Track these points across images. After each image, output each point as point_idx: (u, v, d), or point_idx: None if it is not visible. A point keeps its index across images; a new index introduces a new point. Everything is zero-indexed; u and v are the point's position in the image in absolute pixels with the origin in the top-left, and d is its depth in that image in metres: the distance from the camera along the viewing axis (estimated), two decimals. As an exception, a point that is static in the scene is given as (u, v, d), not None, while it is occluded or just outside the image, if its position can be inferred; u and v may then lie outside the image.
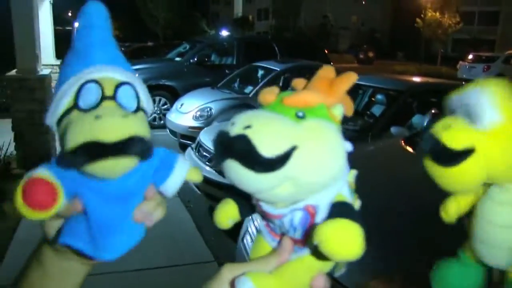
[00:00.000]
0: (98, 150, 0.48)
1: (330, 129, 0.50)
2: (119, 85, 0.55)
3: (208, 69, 10.44)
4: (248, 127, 0.46)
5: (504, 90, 0.54)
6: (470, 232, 0.58)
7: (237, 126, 0.47)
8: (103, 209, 0.55)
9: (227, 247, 4.05)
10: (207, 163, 4.82)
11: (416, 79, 6.86)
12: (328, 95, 0.53)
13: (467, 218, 0.60)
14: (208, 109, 7.43)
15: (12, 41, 5.97)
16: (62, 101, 0.53)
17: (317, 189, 0.50)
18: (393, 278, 1.98)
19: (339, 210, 0.49)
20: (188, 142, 6.74)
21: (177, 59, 11.13)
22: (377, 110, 5.75)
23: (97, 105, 0.52)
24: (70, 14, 48.23)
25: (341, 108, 0.52)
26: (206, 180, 4.69)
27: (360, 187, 0.55)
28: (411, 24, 40.84)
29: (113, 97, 0.54)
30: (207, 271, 3.73)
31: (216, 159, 0.48)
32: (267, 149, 0.45)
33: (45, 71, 6.55)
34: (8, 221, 4.32)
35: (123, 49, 22.67)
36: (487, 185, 0.57)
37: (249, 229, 2.88)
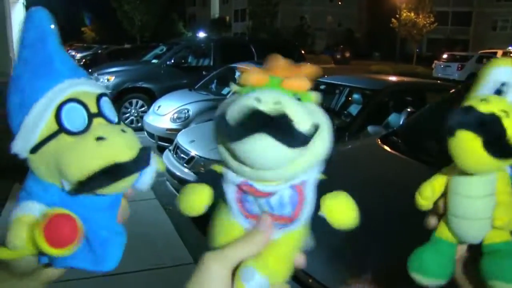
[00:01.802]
0: (119, 172, 0.48)
1: (322, 111, 0.54)
2: (98, 98, 0.53)
3: (185, 71, 10.38)
4: (278, 103, 0.47)
5: None
6: (448, 212, 0.60)
7: (267, 102, 0.47)
8: (97, 221, 0.54)
9: (207, 249, 4.03)
10: (185, 164, 4.79)
11: (392, 78, 6.93)
12: (289, 74, 0.54)
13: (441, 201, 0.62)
14: (186, 111, 7.39)
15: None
16: (38, 126, 0.50)
17: (315, 165, 0.53)
18: (373, 277, 2.00)
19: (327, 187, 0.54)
20: (166, 144, 6.70)
21: (154, 61, 11.06)
22: (354, 109, 5.80)
23: (88, 126, 0.50)
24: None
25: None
26: (184, 182, 4.66)
27: (337, 186, 0.56)
28: (387, 24, 41.34)
29: (100, 114, 0.52)
30: (187, 273, 3.70)
31: (237, 132, 0.46)
32: (302, 125, 0.47)
33: (19, 75, 6.43)
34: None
35: (99, 51, 22.42)
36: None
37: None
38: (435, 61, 27.70)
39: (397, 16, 39.51)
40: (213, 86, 8.77)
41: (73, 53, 24.95)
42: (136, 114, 9.53)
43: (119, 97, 9.26)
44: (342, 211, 0.54)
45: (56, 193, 0.51)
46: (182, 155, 4.94)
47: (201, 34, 38.76)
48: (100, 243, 0.54)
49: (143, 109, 9.55)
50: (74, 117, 0.50)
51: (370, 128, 4.55)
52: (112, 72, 9.94)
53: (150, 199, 5.11)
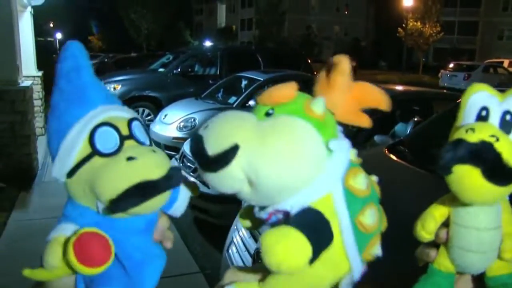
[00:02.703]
0: (150, 189, 0.49)
1: (295, 126, 0.49)
2: (129, 122, 0.55)
3: (191, 80, 10.43)
4: (206, 127, 0.49)
5: None
6: (452, 243, 0.58)
7: (201, 127, 0.49)
8: (132, 244, 0.55)
9: (213, 257, 4.02)
10: (191, 173, 4.79)
11: (399, 87, 6.92)
12: (328, 90, 0.55)
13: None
14: (192, 119, 7.41)
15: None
16: (73, 150, 0.52)
17: (283, 192, 0.49)
18: (377, 285, 1.98)
19: (296, 218, 0.48)
20: (172, 152, 6.70)
21: (161, 70, 11.11)
22: (360, 118, 5.78)
23: (120, 147, 0.52)
24: (51, 25, 48.00)
25: (320, 102, 0.52)
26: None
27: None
28: (393, 33, 41.36)
29: (131, 136, 0.54)
30: (193, 282, 3.70)
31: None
32: (211, 147, 0.47)
33: (26, 83, 6.47)
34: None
35: (106, 60, 22.54)
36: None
37: (234, 240, 2.86)
38: (442, 71, 27.64)
39: (404, 25, 39.50)
40: (220, 95, 8.78)
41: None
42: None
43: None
44: (280, 252, 0.46)
45: (91, 216, 0.52)
46: (188, 163, 4.94)
47: (208, 43, 38.97)
48: (135, 266, 0.54)
49: (149, 117, 9.58)
50: (107, 139, 0.52)
51: (377, 138, 4.53)
52: (119, 80, 10.01)
53: (156, 207, 5.10)
